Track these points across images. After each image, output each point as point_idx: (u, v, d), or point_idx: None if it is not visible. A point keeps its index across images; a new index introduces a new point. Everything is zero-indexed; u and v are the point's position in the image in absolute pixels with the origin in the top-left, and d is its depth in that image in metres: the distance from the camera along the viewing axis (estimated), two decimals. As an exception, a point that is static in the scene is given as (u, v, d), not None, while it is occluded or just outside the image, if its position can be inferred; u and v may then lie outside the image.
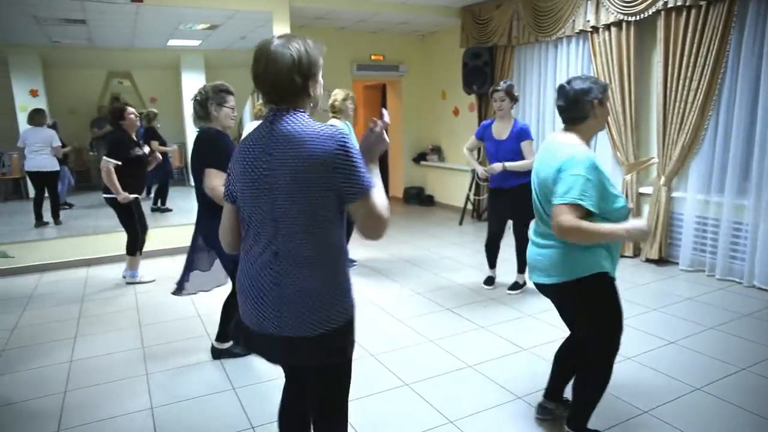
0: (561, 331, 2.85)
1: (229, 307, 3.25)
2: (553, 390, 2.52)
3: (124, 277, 4.88)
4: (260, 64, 1.52)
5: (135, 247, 4.75)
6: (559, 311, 2.38)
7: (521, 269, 4.36)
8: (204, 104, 2.98)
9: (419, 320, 3.85)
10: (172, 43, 7.30)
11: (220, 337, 3.30)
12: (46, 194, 6.05)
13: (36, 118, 6.13)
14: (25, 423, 2.66)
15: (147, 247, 4.98)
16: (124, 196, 4.42)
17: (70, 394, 2.92)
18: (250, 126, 5.95)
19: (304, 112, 1.56)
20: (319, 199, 1.49)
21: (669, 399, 2.70)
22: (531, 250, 2.30)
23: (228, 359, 3.27)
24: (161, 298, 4.40)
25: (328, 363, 1.67)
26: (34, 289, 4.76)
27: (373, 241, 1.59)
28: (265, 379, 3.01)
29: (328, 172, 1.46)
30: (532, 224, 2.36)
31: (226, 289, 3.31)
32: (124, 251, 4.79)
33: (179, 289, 3.27)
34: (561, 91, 2.18)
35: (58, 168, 6.05)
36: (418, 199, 8.71)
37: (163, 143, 6.76)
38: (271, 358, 1.74)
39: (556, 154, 2.11)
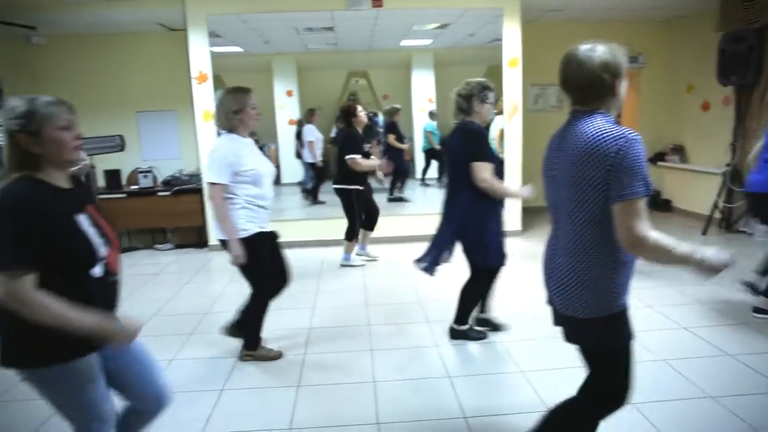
0: None
1: (469, 291, 3.33)
2: None
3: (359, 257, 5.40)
4: (570, 68, 1.66)
5: (351, 234, 5.18)
6: None
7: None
8: (468, 99, 3.14)
9: (709, 331, 3.49)
10: (404, 43, 7.72)
11: (459, 320, 3.41)
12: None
13: (308, 116, 7.40)
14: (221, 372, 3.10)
15: (384, 232, 5.43)
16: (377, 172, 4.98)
17: (308, 356, 3.32)
18: (498, 120, 6.07)
19: (603, 113, 1.65)
20: (585, 196, 1.60)
21: None
22: None
23: (453, 346, 3.37)
24: (387, 282, 4.74)
25: (585, 346, 1.78)
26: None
27: (631, 253, 1.60)
28: (484, 372, 3.04)
29: (600, 171, 1.54)
30: None
31: (461, 275, 3.39)
32: (358, 239, 5.28)
33: (423, 266, 3.34)
34: None
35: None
36: (653, 203, 7.87)
37: (400, 138, 7.26)
38: (563, 333, 1.86)
39: None
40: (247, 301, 3.22)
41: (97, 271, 1.61)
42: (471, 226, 3.14)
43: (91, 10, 5.64)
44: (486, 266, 3.24)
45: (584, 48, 1.64)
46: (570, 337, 1.81)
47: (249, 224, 2.99)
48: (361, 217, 5.17)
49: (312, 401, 2.81)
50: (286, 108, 8.37)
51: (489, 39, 6.49)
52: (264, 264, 3.08)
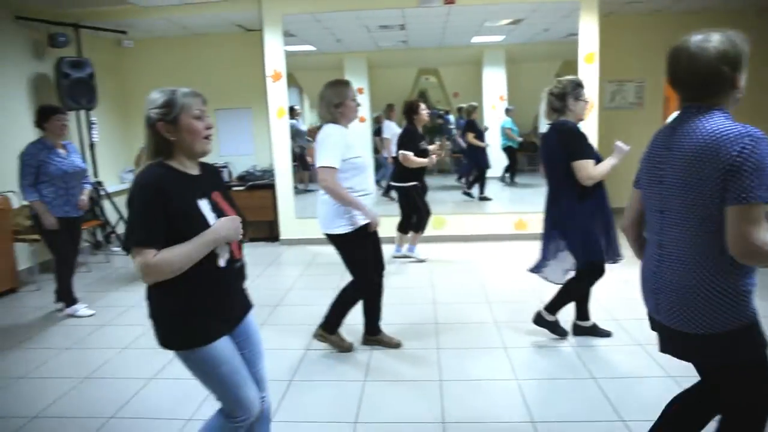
0: None
1: (572, 286, 3.26)
2: None
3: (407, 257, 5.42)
4: (680, 62, 1.52)
5: (414, 226, 5.23)
6: None
7: None
8: (562, 97, 3.09)
9: None
10: (476, 39, 7.63)
11: (551, 308, 3.34)
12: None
13: (387, 111, 7.51)
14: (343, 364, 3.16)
15: (452, 230, 5.40)
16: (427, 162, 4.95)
17: (375, 352, 3.36)
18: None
19: (720, 109, 1.50)
20: (699, 198, 1.47)
21: None
22: None
23: (521, 348, 3.31)
24: (454, 280, 4.71)
25: (705, 362, 1.64)
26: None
27: (743, 261, 1.44)
28: (553, 376, 2.96)
29: (718, 171, 1.41)
30: None
31: (534, 276, 3.34)
32: (425, 233, 5.30)
33: (536, 268, 3.34)
34: None
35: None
36: None
37: (480, 136, 7.19)
38: (660, 345, 1.75)
39: None
40: (346, 287, 3.28)
41: (223, 259, 1.71)
42: (575, 227, 3.08)
43: (175, 14, 5.95)
44: (592, 265, 3.15)
45: (696, 39, 1.48)
46: (686, 354, 1.66)
47: (352, 218, 3.05)
48: (417, 213, 5.20)
49: (378, 396, 2.84)
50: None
51: (564, 34, 6.29)
52: (367, 256, 3.15)
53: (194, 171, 1.76)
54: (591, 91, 5.85)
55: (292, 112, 6.67)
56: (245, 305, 1.91)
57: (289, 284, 4.82)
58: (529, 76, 8.13)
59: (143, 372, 3.19)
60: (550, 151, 3.13)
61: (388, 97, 8.35)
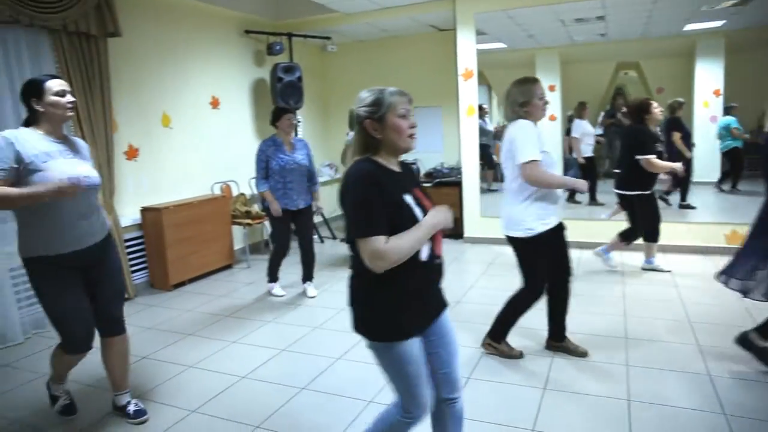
0: None
1: None
2: None
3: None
4: None
5: (653, 235, 4.75)
6: None
7: None
8: None
9: None
10: (688, 27, 6.82)
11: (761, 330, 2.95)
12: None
13: (578, 110, 7.23)
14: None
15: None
16: (676, 166, 4.46)
17: (556, 359, 3.22)
18: None
19: None
20: None
21: None
22: None
23: (730, 378, 2.92)
24: (649, 293, 4.32)
25: None
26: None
27: None
28: None
29: None
30: None
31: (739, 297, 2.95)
32: (615, 239, 4.90)
33: (723, 275, 2.97)
34: None
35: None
36: None
37: (686, 135, 6.42)
38: None
39: None
40: (516, 293, 3.22)
41: (424, 253, 1.78)
42: None
43: (375, 18, 6.33)
44: None
45: None
46: None
47: (535, 222, 2.98)
48: (650, 222, 4.73)
49: (558, 408, 2.72)
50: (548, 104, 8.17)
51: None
52: (543, 264, 3.05)
53: (396, 168, 1.83)
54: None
55: (480, 111, 6.65)
56: (441, 304, 1.94)
57: (470, 282, 4.84)
58: (752, 67, 7.04)
59: (332, 351, 3.47)
60: None
61: (582, 94, 7.91)
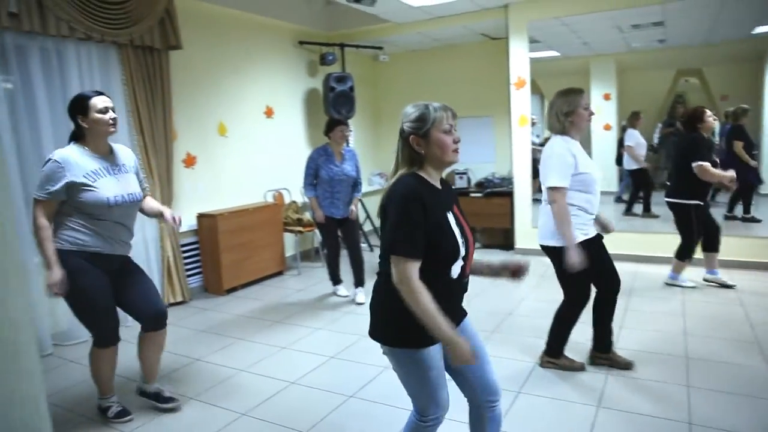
0: None
1: None
2: None
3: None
4: None
5: (685, 253, 4.57)
6: None
7: None
8: None
9: None
10: (759, 30, 6.49)
11: None
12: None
13: (632, 119, 7.00)
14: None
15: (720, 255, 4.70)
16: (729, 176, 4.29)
17: (611, 376, 3.11)
18: None
19: None
20: None
21: None
22: None
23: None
24: (713, 310, 4.11)
25: None
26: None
27: None
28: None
29: None
30: None
31: None
32: (672, 254, 4.69)
33: None
34: None
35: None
36: None
37: (749, 144, 6.10)
38: None
39: None
40: (559, 307, 3.18)
41: (455, 270, 1.78)
42: None
43: (427, 28, 6.35)
44: None
45: None
46: None
47: (574, 232, 2.91)
48: (699, 235, 4.53)
49: (613, 425, 2.62)
50: (603, 112, 7.90)
51: None
52: (582, 274, 2.97)
53: (438, 185, 1.83)
54: None
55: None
56: (461, 313, 1.95)
57: (522, 294, 4.74)
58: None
59: (381, 360, 3.40)
60: None
61: (640, 102, 7.65)
